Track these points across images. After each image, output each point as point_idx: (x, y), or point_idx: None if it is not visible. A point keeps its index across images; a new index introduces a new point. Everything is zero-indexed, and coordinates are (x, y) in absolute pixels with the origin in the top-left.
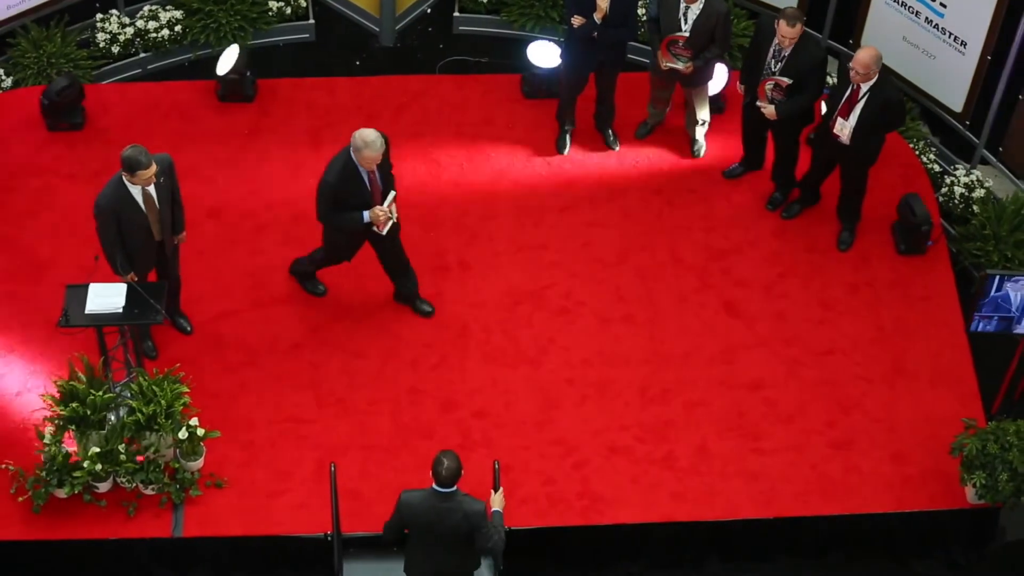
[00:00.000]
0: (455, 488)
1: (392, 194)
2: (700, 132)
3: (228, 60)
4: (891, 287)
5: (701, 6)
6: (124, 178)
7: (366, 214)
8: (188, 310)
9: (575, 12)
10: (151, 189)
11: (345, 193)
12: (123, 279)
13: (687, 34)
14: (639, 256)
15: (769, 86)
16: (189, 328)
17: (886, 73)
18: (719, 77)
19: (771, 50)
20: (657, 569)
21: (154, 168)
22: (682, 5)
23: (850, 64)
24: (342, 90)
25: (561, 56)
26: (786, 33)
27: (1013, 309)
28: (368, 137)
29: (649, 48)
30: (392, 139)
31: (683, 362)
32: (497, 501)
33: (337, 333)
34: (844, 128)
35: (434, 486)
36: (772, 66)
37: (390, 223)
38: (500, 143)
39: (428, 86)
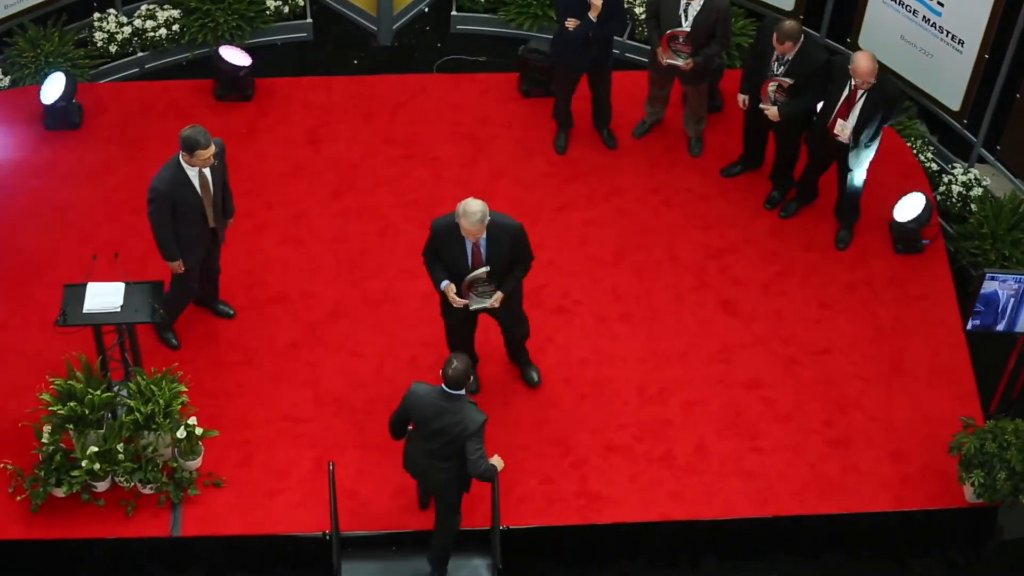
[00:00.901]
0: (462, 393)
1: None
2: (698, 131)
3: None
4: (889, 286)
5: (702, 2)
6: (182, 160)
7: (444, 283)
8: (186, 310)
9: (567, 15)
10: (207, 172)
11: (443, 251)
12: (173, 267)
13: (688, 29)
14: (636, 255)
15: (772, 87)
16: (232, 312)
17: (883, 71)
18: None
19: (774, 53)
20: (655, 568)
21: (213, 148)
22: (683, 1)
23: (851, 73)
24: (340, 89)
25: (552, 57)
26: (777, 47)
27: (999, 308)
28: (468, 208)
29: (646, 47)
30: (389, 139)
31: (681, 361)
32: (497, 461)
33: (335, 332)
34: (844, 128)
35: (443, 385)
36: (775, 69)
37: (465, 304)
38: (497, 142)
39: (425, 85)
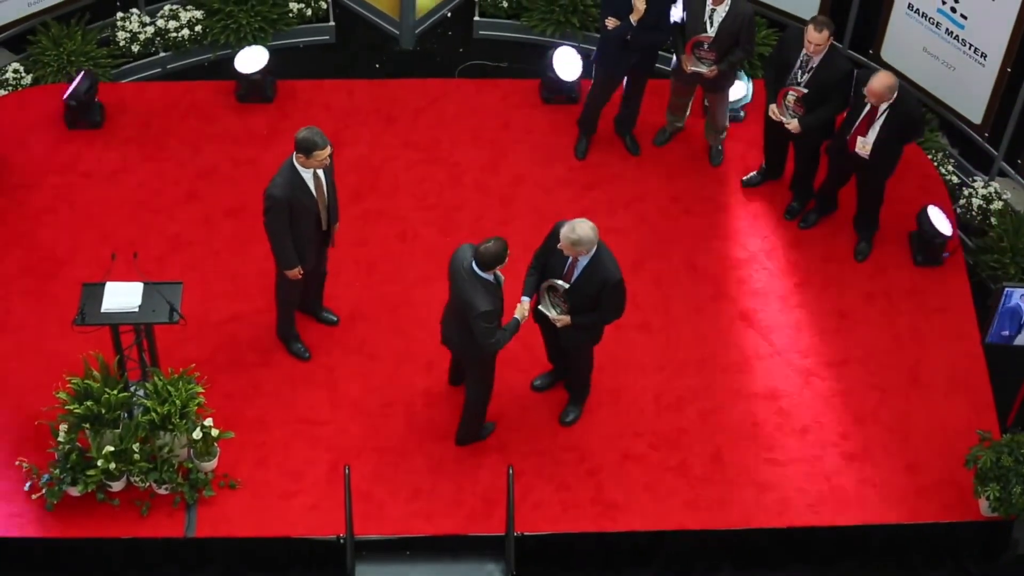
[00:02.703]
0: (487, 277)
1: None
2: (719, 140)
3: (253, 60)
4: (907, 298)
5: (727, 8)
6: (297, 162)
7: (525, 300)
8: (204, 308)
9: (609, 14)
10: (321, 173)
11: (550, 249)
12: (291, 275)
13: (712, 36)
14: (655, 263)
15: (791, 97)
16: (335, 319)
17: (905, 86)
18: (739, 88)
19: (799, 61)
20: None
21: (329, 149)
22: (708, 7)
23: (864, 89)
24: (361, 92)
25: (594, 59)
26: (813, 39)
27: (1020, 322)
28: (571, 222)
29: (667, 53)
30: (410, 143)
31: (698, 370)
32: (520, 311)
33: (352, 335)
34: (864, 145)
35: (474, 264)
36: (798, 77)
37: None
38: (518, 148)
39: (447, 90)
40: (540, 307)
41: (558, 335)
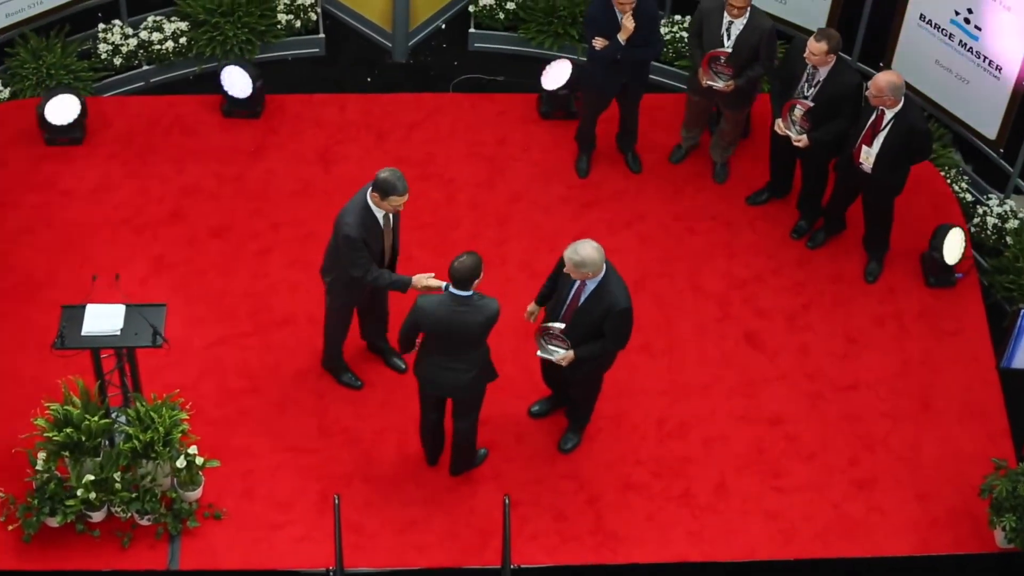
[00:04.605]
0: (471, 292)
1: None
2: (724, 157)
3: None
4: (919, 320)
5: (745, 21)
6: (370, 199)
7: (531, 306)
8: (188, 332)
9: (596, 34)
10: (391, 214)
11: (560, 277)
12: (406, 287)
13: (730, 50)
14: (658, 283)
15: (798, 111)
16: (403, 366)
17: (912, 100)
18: None
19: (805, 74)
20: None
21: (407, 198)
22: (725, 20)
23: (867, 83)
24: (353, 107)
25: (583, 77)
26: (811, 48)
27: None
28: (574, 244)
29: (669, 68)
30: (403, 159)
31: (702, 395)
32: (419, 281)
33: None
34: (868, 156)
35: (450, 287)
36: (805, 90)
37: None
38: (516, 165)
39: (441, 104)
40: (540, 353)
41: (563, 371)
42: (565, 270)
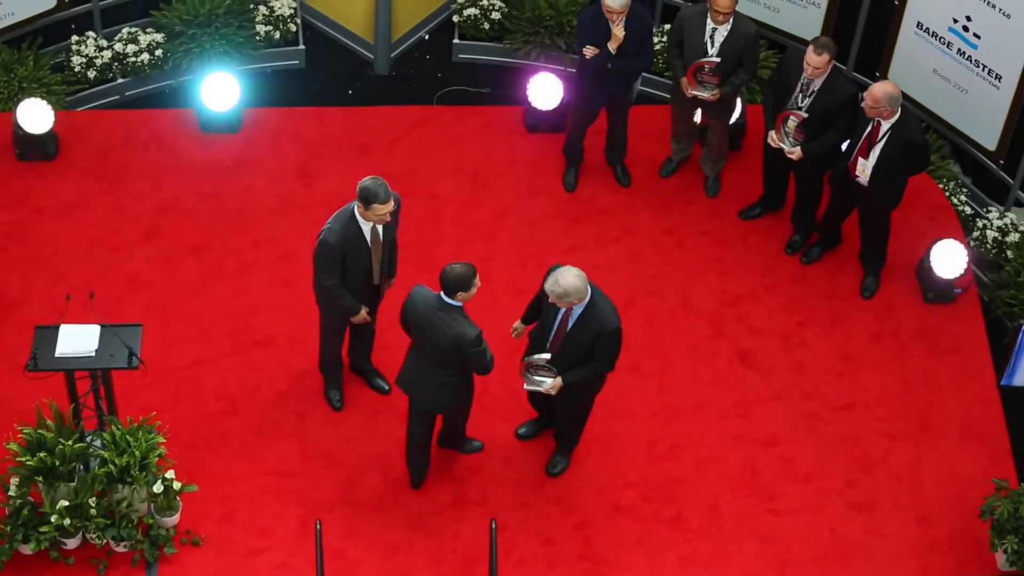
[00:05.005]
0: (459, 304)
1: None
2: (716, 170)
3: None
4: (918, 337)
5: (729, 27)
6: (357, 212)
7: (518, 326)
8: (165, 353)
9: (587, 42)
10: (379, 227)
11: (543, 303)
12: (358, 319)
13: (717, 59)
14: (647, 301)
15: (792, 123)
16: (387, 388)
17: (910, 111)
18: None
19: (799, 84)
20: None
21: (392, 205)
22: (708, 27)
23: (863, 94)
24: (333, 121)
25: (572, 87)
26: (811, 61)
27: None
28: (555, 273)
29: (658, 78)
30: (386, 174)
31: (694, 415)
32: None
33: (324, 382)
34: (864, 168)
35: (440, 291)
36: (799, 101)
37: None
38: (501, 180)
39: (425, 117)
40: (527, 386)
41: (553, 396)
42: (549, 300)
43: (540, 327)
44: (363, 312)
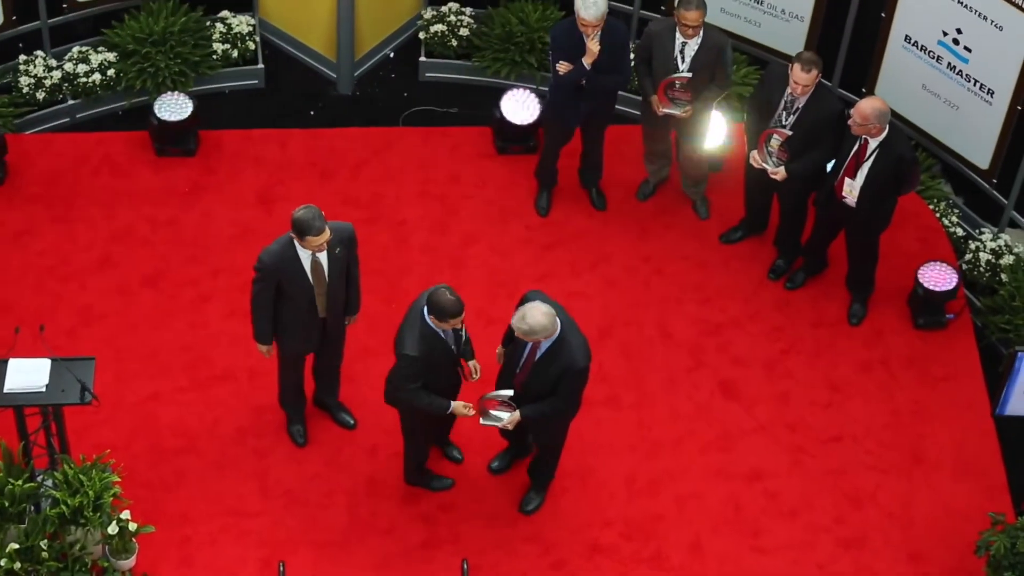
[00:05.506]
0: (428, 321)
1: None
2: (699, 192)
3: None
4: (908, 366)
5: (700, 40)
6: (294, 239)
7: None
8: (119, 388)
9: (561, 58)
10: (322, 257)
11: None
12: (262, 351)
13: (689, 74)
14: (624, 331)
15: (775, 141)
16: (352, 423)
17: (898, 127)
18: (719, 131)
19: (783, 101)
20: None
21: (327, 236)
22: (678, 41)
23: (850, 111)
24: (295, 143)
25: (544, 106)
26: (800, 79)
27: None
28: (523, 310)
29: (637, 96)
30: (350, 199)
31: (674, 449)
32: (458, 409)
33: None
34: (852, 189)
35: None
36: (783, 119)
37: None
38: (470, 204)
39: (390, 140)
40: (483, 421)
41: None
42: (516, 335)
43: (509, 358)
44: (263, 347)
